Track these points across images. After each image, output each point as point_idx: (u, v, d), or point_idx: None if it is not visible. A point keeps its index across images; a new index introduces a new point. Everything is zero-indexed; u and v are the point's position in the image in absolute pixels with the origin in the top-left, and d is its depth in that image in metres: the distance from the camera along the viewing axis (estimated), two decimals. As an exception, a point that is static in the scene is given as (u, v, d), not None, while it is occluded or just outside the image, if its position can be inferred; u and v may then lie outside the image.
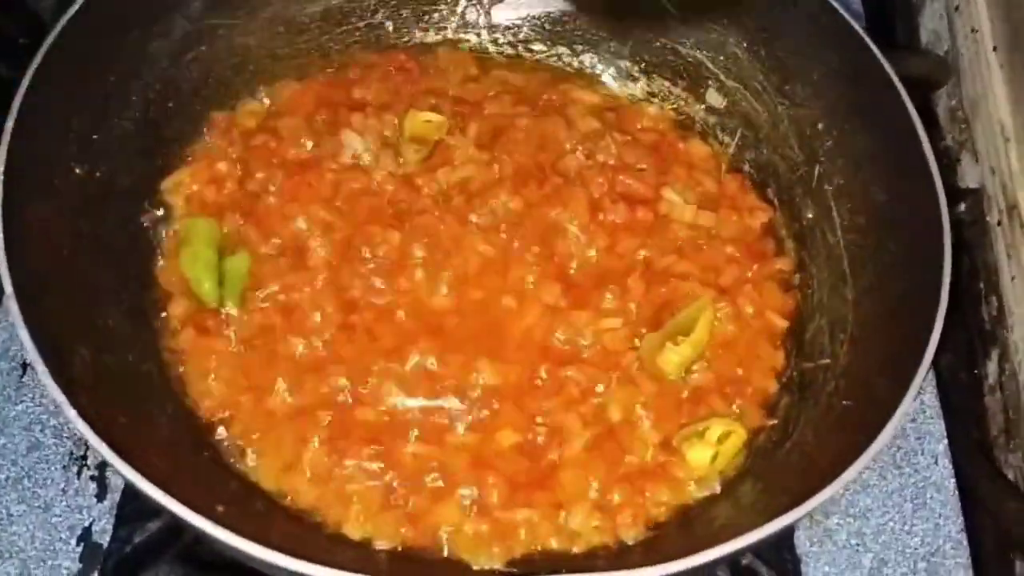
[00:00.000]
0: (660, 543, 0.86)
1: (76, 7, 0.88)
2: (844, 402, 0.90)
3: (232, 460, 0.88)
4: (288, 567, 0.67)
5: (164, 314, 0.95)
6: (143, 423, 0.83)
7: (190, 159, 1.03)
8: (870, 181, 0.98)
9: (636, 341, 0.96)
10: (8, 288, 0.74)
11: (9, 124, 0.81)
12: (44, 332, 0.74)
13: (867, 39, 0.97)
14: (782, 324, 0.99)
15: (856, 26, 0.98)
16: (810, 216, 1.04)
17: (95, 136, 0.92)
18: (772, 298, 1.01)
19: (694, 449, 0.90)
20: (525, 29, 1.18)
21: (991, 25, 1.15)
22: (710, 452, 0.90)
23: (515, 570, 0.85)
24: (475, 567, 0.85)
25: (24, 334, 0.72)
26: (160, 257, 0.98)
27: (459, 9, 1.18)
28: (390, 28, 1.16)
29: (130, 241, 0.95)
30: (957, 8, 1.23)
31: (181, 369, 0.92)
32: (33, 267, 0.79)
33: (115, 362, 0.86)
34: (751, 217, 1.06)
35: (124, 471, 0.69)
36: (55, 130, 0.87)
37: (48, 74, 0.85)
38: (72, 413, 0.70)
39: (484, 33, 1.18)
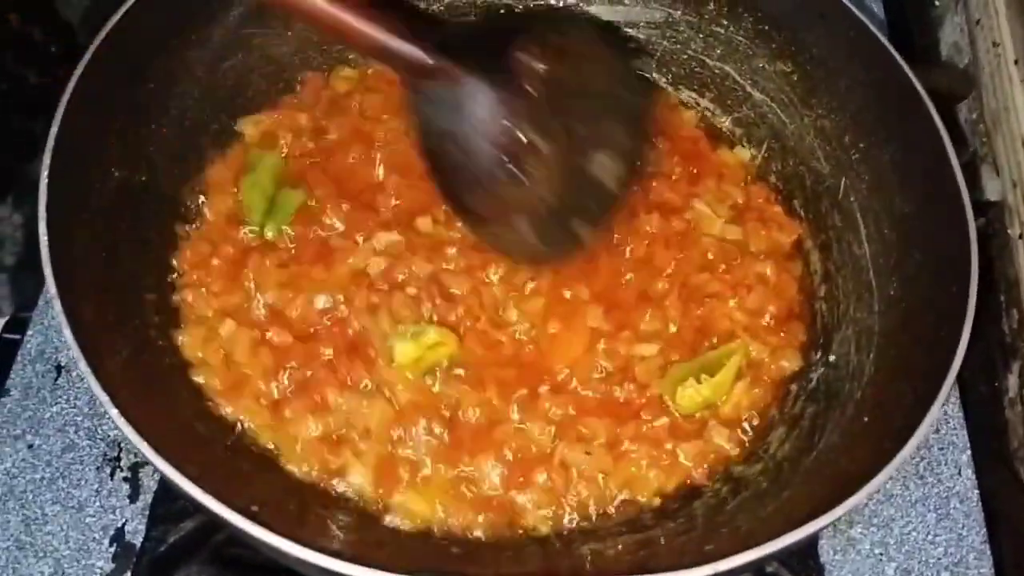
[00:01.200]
0: (686, 548, 0.87)
1: (118, 16, 0.90)
2: (865, 419, 0.90)
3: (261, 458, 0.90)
4: (327, 567, 0.67)
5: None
6: (177, 423, 0.84)
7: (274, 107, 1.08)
8: (896, 193, 0.98)
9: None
10: (52, 289, 0.76)
11: (54, 130, 0.83)
12: (85, 332, 0.76)
13: (894, 52, 0.97)
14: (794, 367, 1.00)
15: (883, 39, 0.98)
16: (836, 227, 1.05)
17: (134, 141, 0.94)
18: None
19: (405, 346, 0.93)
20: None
21: (1013, 38, 1.15)
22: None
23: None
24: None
25: (68, 333, 0.74)
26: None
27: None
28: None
29: (167, 245, 0.97)
30: (978, 22, 1.24)
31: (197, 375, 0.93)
32: (75, 268, 0.80)
33: (151, 363, 0.87)
34: (780, 232, 1.07)
35: (165, 470, 0.70)
36: (96, 135, 0.89)
37: (91, 80, 0.87)
38: (115, 412, 0.71)
39: None
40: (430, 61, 0.84)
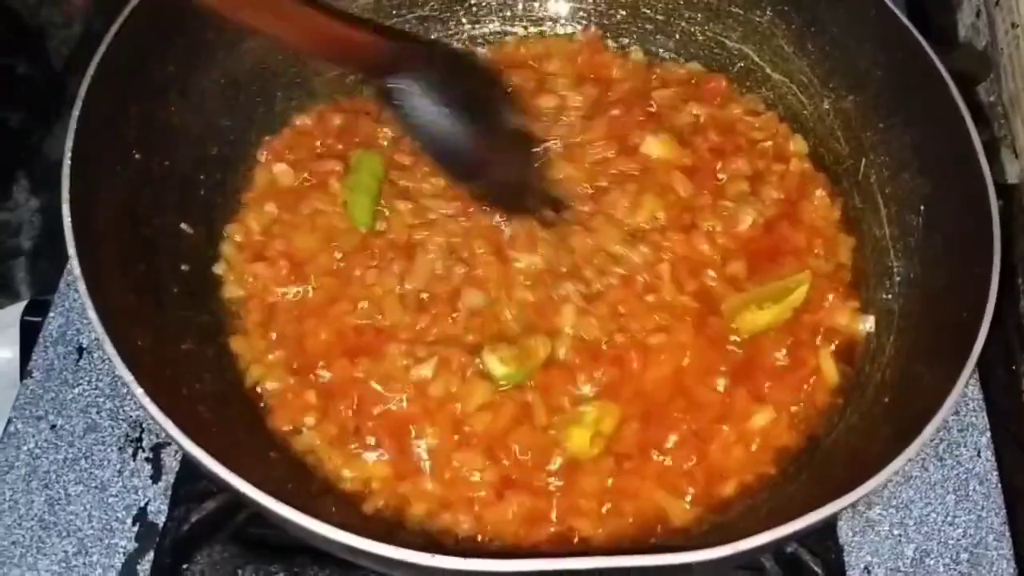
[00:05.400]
0: (705, 530, 0.88)
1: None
2: (885, 400, 0.91)
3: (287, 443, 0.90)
4: (348, 543, 0.68)
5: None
6: (200, 404, 0.85)
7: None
8: (917, 174, 0.98)
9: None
10: (76, 270, 0.76)
11: (75, 113, 0.83)
12: (108, 312, 0.76)
13: (915, 32, 0.96)
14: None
15: (904, 19, 0.98)
16: (857, 208, 1.04)
17: (155, 123, 0.94)
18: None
19: (573, 433, 0.90)
20: (572, 23, 1.19)
21: (1032, 20, 1.15)
22: (588, 434, 0.90)
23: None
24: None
25: (92, 314, 0.74)
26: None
27: (505, 2, 1.19)
28: (439, 20, 1.17)
29: (184, 228, 0.97)
30: (997, 3, 1.23)
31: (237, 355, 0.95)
32: (97, 250, 0.80)
33: (173, 346, 0.88)
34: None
35: (189, 447, 0.70)
36: (117, 118, 0.89)
37: (111, 64, 0.87)
38: (139, 391, 0.71)
39: (531, 26, 1.20)
40: (394, 46, 0.94)
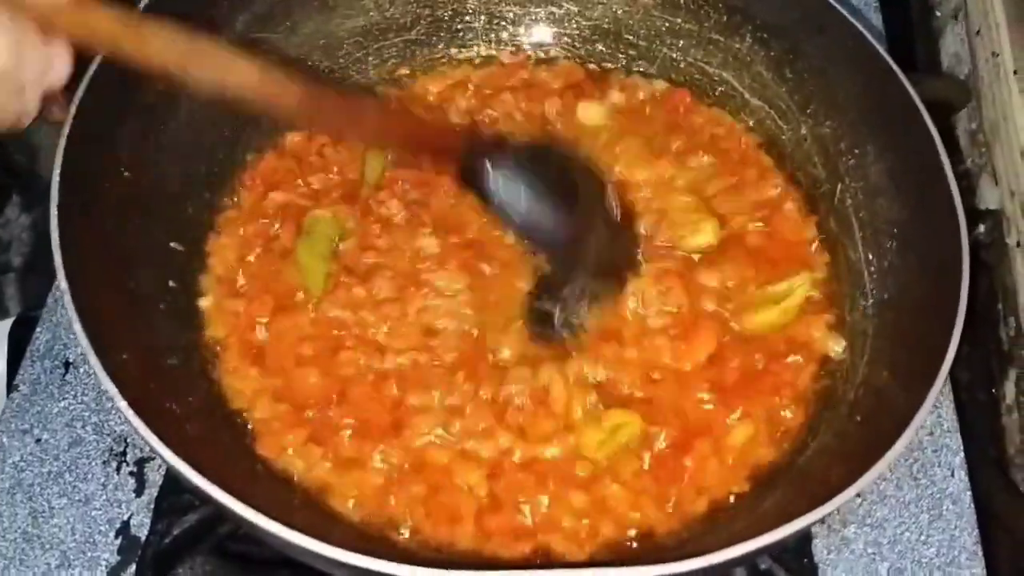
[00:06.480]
0: (676, 543, 0.88)
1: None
2: (857, 419, 0.92)
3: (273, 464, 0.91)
4: (329, 556, 0.69)
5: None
6: (184, 418, 0.86)
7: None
8: (892, 199, 1.00)
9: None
10: (63, 284, 0.77)
11: (66, 129, 0.85)
12: (94, 327, 0.77)
13: (891, 62, 0.98)
14: None
15: (881, 50, 1.00)
16: (832, 231, 1.06)
17: (144, 141, 0.96)
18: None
19: (588, 430, 0.92)
20: (556, 48, 1.21)
21: (1012, 49, 1.16)
22: (600, 437, 0.92)
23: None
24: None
25: (77, 327, 0.75)
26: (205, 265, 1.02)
27: (491, 27, 1.21)
28: (426, 44, 1.19)
29: (174, 246, 0.99)
30: (978, 32, 1.25)
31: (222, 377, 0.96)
32: (84, 265, 0.82)
33: (159, 362, 0.89)
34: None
35: (171, 459, 0.71)
36: (106, 136, 0.91)
37: (100, 82, 0.88)
38: (123, 404, 0.73)
39: (516, 51, 1.22)
40: (470, 132, 0.98)
